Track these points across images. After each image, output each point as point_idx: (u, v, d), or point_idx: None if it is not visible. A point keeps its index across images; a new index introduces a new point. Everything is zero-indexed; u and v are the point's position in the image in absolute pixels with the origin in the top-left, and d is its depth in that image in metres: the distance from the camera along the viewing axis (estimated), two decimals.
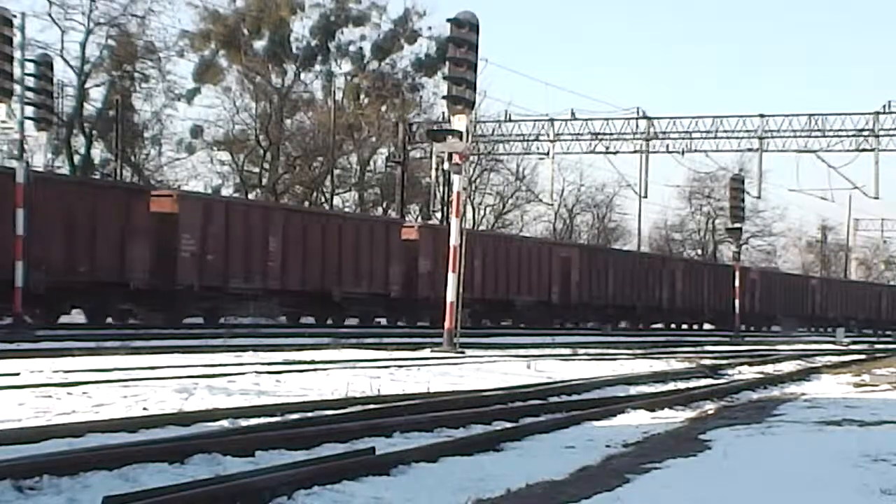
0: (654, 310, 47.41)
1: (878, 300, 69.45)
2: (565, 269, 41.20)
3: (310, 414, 9.61)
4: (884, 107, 40.92)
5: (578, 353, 22.71)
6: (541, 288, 39.81)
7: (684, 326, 50.58)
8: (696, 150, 44.11)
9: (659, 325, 48.53)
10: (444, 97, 23.42)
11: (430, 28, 53.04)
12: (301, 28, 52.15)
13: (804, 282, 63.22)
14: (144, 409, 9.62)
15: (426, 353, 20.16)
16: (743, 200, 42.86)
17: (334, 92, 51.87)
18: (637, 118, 43.87)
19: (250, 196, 47.51)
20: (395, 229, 34.40)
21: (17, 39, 23.29)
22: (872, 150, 41.10)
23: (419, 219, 50.72)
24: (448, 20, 22.16)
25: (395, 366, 15.66)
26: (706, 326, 52.25)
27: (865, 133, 41.06)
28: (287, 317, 32.43)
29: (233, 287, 28.25)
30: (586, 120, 44.09)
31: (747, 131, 42.79)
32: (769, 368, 20.54)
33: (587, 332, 38.96)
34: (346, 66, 53.69)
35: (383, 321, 34.71)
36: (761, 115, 42.52)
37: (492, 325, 37.19)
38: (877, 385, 15.68)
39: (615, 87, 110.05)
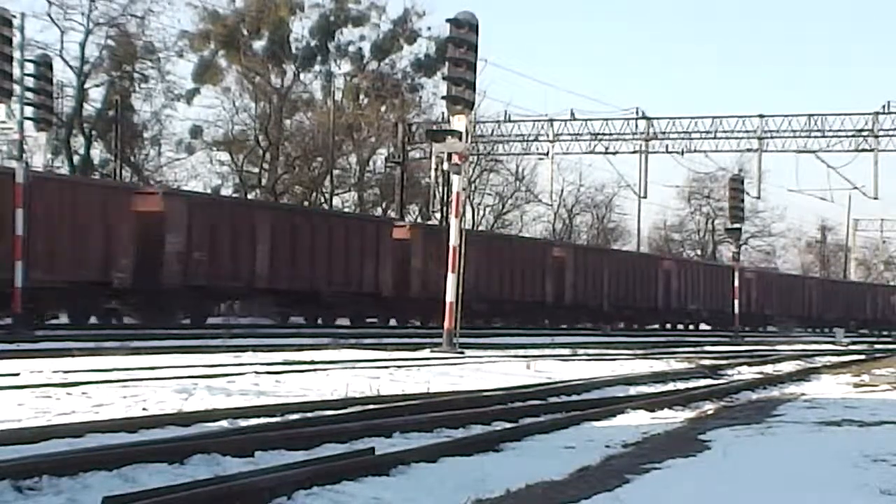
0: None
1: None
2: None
3: (309, 414, 9.61)
4: (883, 107, 40.88)
5: (578, 353, 22.71)
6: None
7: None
8: (695, 151, 44.04)
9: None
10: (443, 97, 23.42)
11: (429, 28, 53.05)
12: (300, 28, 52.20)
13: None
14: (144, 409, 9.62)
15: (426, 353, 20.17)
16: (742, 201, 42.86)
17: (334, 92, 51.88)
18: (636, 118, 43.84)
19: (249, 196, 47.51)
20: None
21: (16, 39, 23.28)
22: (872, 150, 41.05)
23: (418, 219, 50.78)
24: (447, 20, 22.17)
25: (394, 366, 15.66)
26: (704, 327, 52.47)
27: (865, 133, 41.02)
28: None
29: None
30: (586, 120, 44.06)
31: (747, 131, 42.75)
32: (769, 369, 20.55)
33: (587, 332, 38.99)
34: (346, 66, 53.74)
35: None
36: (761, 116, 42.48)
37: (491, 326, 37.24)
38: (876, 385, 15.69)
39: (615, 87, 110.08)
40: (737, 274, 42.92)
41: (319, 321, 32.39)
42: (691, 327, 52.12)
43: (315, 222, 32.48)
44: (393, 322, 35.39)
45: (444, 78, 23.54)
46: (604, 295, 44.66)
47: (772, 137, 42.52)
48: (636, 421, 10.51)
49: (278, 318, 32.60)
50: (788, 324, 55.40)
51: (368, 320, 34.22)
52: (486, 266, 36.59)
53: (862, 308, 67.02)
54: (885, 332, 59.96)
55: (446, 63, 22.72)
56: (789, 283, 62.15)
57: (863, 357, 27.29)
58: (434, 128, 34.67)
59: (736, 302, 42.28)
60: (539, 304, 41.05)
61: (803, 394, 14.07)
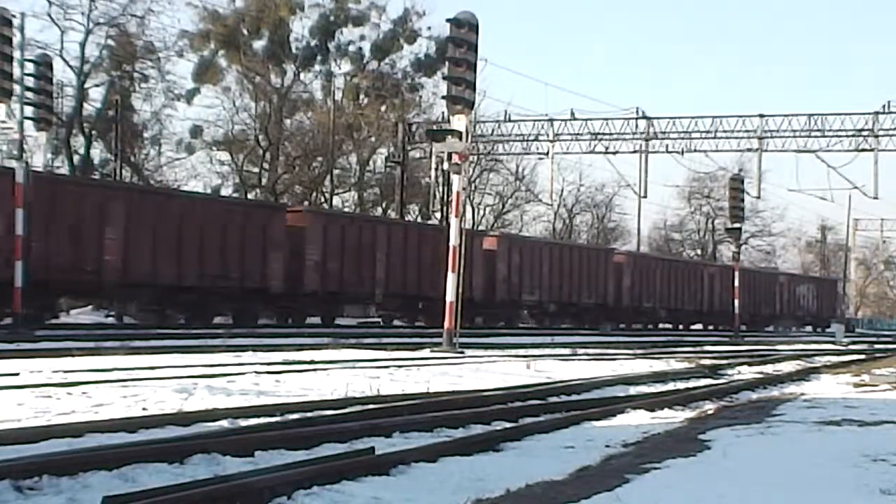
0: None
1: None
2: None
3: (309, 414, 9.61)
4: (883, 107, 40.88)
5: (578, 353, 22.71)
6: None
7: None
8: (695, 150, 44.06)
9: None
10: (443, 97, 23.41)
11: (429, 28, 53.11)
12: (300, 28, 52.25)
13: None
14: (144, 409, 9.61)
15: (426, 353, 20.17)
16: (742, 200, 42.84)
17: (334, 92, 51.88)
18: (636, 118, 43.84)
19: (249, 196, 47.49)
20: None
21: (16, 39, 23.29)
22: (872, 150, 41.05)
23: (418, 218, 50.80)
24: (447, 20, 22.17)
25: (394, 366, 15.66)
26: (698, 327, 52.58)
27: (865, 133, 41.01)
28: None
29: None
30: (586, 120, 44.06)
31: (747, 131, 42.76)
32: (769, 368, 20.54)
33: (587, 332, 38.98)
34: (346, 66, 53.77)
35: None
36: (761, 115, 42.48)
37: (491, 326, 37.24)
38: (876, 385, 15.68)
39: (615, 87, 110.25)
40: (736, 273, 42.87)
41: None
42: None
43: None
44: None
45: (444, 78, 23.53)
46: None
47: (772, 137, 42.51)
48: (636, 421, 10.50)
49: None
50: (787, 324, 55.36)
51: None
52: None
53: (771, 299, 58.82)
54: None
55: (446, 63, 22.71)
56: (681, 270, 51.71)
57: (863, 357, 27.28)
58: (434, 127, 34.67)
59: (736, 302, 42.24)
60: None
61: (803, 394, 14.07)
